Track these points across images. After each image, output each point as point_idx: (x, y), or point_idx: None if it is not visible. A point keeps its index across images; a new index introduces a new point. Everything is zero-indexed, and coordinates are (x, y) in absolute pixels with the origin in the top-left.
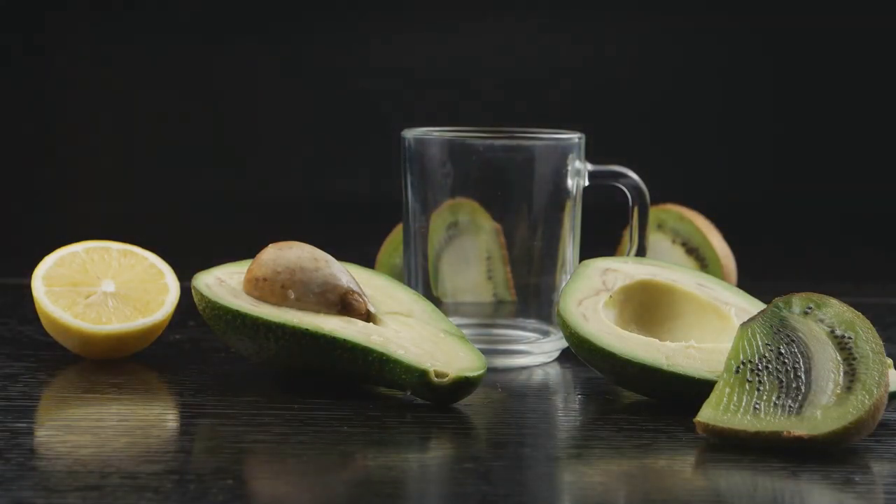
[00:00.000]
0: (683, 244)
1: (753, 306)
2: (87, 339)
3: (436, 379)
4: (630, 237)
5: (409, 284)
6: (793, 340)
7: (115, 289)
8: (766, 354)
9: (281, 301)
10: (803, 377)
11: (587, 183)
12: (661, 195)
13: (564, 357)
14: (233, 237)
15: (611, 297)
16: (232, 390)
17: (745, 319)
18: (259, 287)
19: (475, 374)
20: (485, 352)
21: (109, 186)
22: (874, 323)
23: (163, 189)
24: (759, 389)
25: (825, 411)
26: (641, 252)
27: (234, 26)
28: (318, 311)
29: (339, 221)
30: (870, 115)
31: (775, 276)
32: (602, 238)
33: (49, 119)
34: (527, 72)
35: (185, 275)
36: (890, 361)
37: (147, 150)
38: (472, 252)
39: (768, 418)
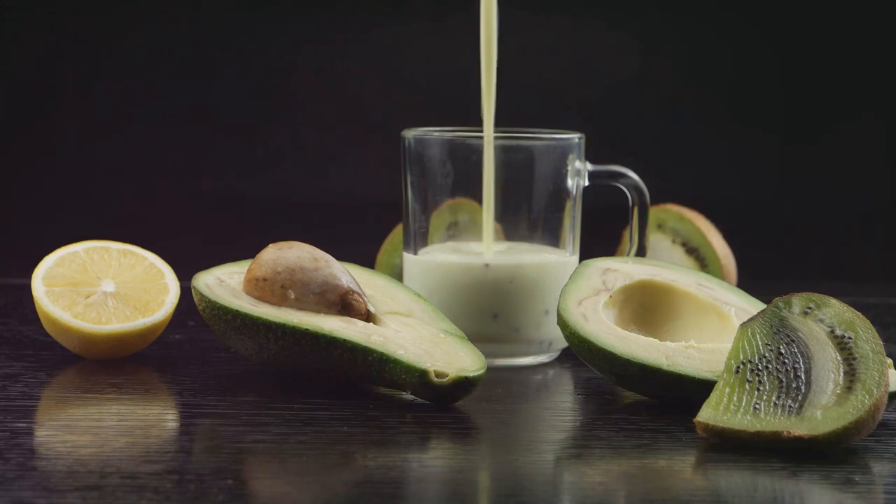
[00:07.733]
0: (683, 244)
1: (753, 306)
2: (87, 339)
3: (436, 379)
4: (630, 237)
5: (409, 284)
6: (793, 340)
7: (115, 289)
8: (766, 354)
9: (281, 301)
10: (803, 377)
11: (587, 183)
12: (661, 195)
13: (564, 357)
14: (233, 237)
15: (611, 297)
16: (232, 390)
17: (745, 319)
18: (259, 287)
19: (475, 374)
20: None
21: (109, 186)
22: (874, 323)
23: (163, 189)
24: (759, 389)
25: (825, 411)
26: (641, 252)
27: (234, 25)
28: (318, 311)
29: (339, 221)
30: (870, 115)
31: (775, 276)
32: (602, 238)
33: (49, 119)
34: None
35: (185, 275)
36: (890, 361)
37: (147, 150)
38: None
39: (768, 418)
